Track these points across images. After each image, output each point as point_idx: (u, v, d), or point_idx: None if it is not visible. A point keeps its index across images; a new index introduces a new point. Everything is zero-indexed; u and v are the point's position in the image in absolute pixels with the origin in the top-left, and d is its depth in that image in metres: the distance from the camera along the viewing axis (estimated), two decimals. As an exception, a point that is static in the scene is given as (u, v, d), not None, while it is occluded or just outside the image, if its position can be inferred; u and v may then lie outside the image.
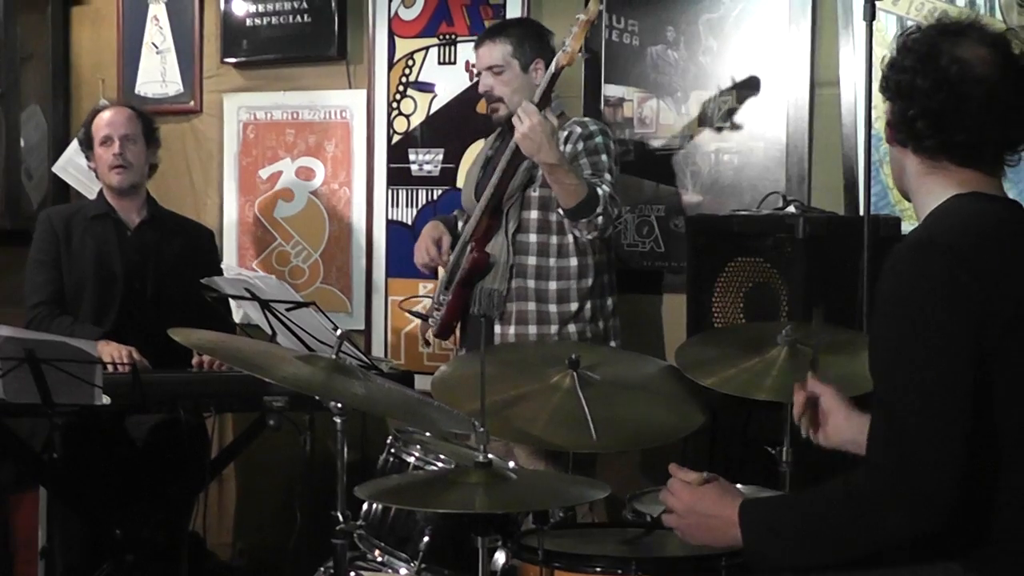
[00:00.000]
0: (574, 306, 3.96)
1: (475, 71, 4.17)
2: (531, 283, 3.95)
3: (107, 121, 4.41)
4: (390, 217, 4.93)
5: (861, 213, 3.73)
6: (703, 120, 4.37)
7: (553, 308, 3.95)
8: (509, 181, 3.89)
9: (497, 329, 3.97)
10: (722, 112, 4.33)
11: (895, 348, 2.15)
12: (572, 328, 3.96)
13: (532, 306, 3.95)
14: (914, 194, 2.35)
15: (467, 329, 4.08)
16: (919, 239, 2.22)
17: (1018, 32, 2.33)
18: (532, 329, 3.94)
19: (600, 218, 3.74)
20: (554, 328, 3.94)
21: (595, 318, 4.00)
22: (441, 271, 4.20)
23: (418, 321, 4.63)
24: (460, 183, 4.52)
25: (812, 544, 2.20)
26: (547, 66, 4.00)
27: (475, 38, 4.23)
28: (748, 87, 4.27)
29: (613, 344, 4.04)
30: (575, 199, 3.71)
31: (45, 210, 4.75)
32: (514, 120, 3.70)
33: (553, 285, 3.95)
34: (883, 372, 2.17)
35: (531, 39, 4.06)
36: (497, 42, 4.03)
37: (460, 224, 4.27)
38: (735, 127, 4.31)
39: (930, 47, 2.25)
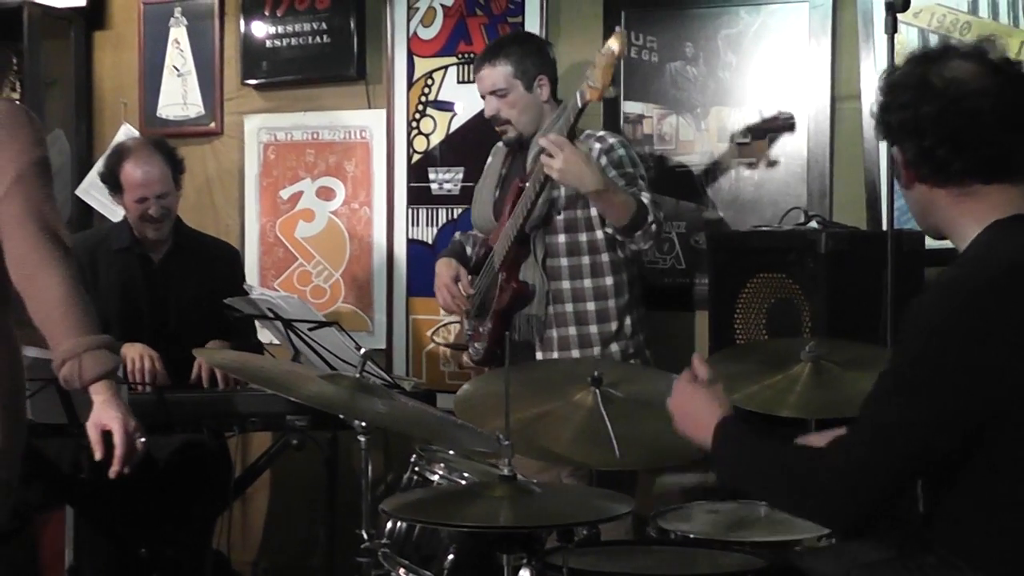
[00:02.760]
0: (614, 325, 3.95)
1: (480, 95, 4.12)
2: (569, 307, 3.93)
3: (141, 180, 4.31)
4: (410, 236, 4.94)
5: (884, 228, 3.72)
6: (723, 136, 4.36)
7: (594, 329, 3.93)
8: (534, 209, 3.85)
9: (539, 355, 3.95)
10: (742, 128, 4.32)
11: (890, 367, 2.21)
12: (615, 348, 3.95)
13: (573, 331, 3.93)
14: (949, 229, 2.33)
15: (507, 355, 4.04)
16: (952, 280, 2.24)
17: (992, 40, 2.33)
18: (575, 354, 3.92)
19: (653, 225, 3.72)
20: (597, 350, 3.93)
21: (635, 333, 4.00)
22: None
23: (433, 335, 4.65)
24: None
25: (757, 483, 2.37)
26: (551, 82, 4.03)
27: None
28: (768, 102, 4.27)
29: (648, 353, 4.05)
30: (627, 215, 3.68)
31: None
32: (544, 157, 3.63)
33: (591, 306, 3.93)
34: (876, 380, 2.23)
35: (531, 56, 4.03)
36: (497, 64, 4.00)
37: (468, 249, 4.26)
38: (755, 142, 4.31)
39: (919, 77, 2.24)
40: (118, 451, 2.72)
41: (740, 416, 2.49)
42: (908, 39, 4.01)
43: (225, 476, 4.51)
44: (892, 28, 3.52)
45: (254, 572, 5.20)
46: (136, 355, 4.00)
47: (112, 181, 4.39)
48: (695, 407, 2.50)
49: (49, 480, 4.18)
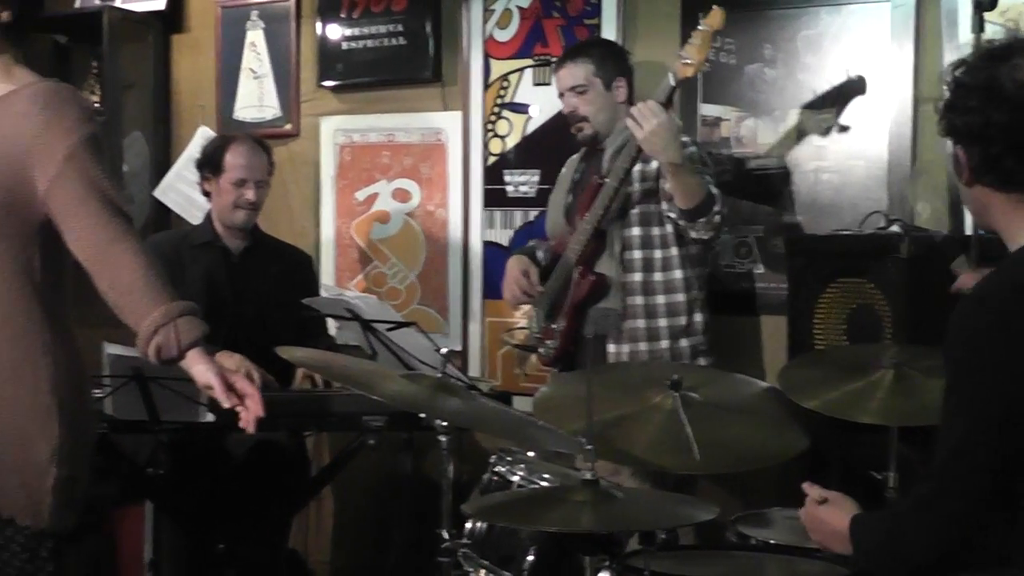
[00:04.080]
0: (684, 319, 3.96)
1: (557, 93, 4.17)
2: (639, 299, 3.95)
3: (246, 164, 4.43)
4: (486, 238, 4.93)
5: (967, 232, 3.67)
6: (802, 138, 4.32)
7: (663, 323, 3.94)
8: (612, 204, 3.87)
9: (611, 348, 3.96)
10: (821, 130, 4.28)
11: (946, 383, 2.23)
12: (684, 343, 3.96)
13: (642, 323, 3.94)
14: (1003, 230, 2.33)
15: (579, 351, 4.03)
16: (986, 285, 2.27)
17: None
18: (643, 346, 3.94)
19: (717, 216, 3.74)
20: (665, 344, 3.94)
21: (706, 330, 4.00)
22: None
23: (504, 336, 4.65)
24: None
25: (891, 553, 2.27)
26: (629, 84, 4.07)
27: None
28: (847, 104, 4.23)
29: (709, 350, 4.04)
30: (696, 199, 3.70)
31: (151, 237, 4.79)
32: (631, 121, 3.65)
33: (662, 299, 3.94)
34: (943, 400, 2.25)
35: (612, 58, 4.09)
36: (579, 62, 4.05)
37: (539, 253, 4.28)
38: (835, 145, 4.27)
39: (988, 79, 2.20)
40: (252, 397, 2.66)
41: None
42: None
43: (301, 475, 4.55)
44: (979, 28, 3.47)
45: (328, 571, 5.22)
46: (234, 366, 4.04)
47: (213, 163, 4.45)
48: (827, 526, 2.46)
49: (127, 475, 4.23)
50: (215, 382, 2.64)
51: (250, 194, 4.41)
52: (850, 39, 4.22)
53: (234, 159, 4.41)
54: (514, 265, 4.21)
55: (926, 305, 3.63)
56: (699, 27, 3.60)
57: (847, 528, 2.37)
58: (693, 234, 3.83)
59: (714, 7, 3.67)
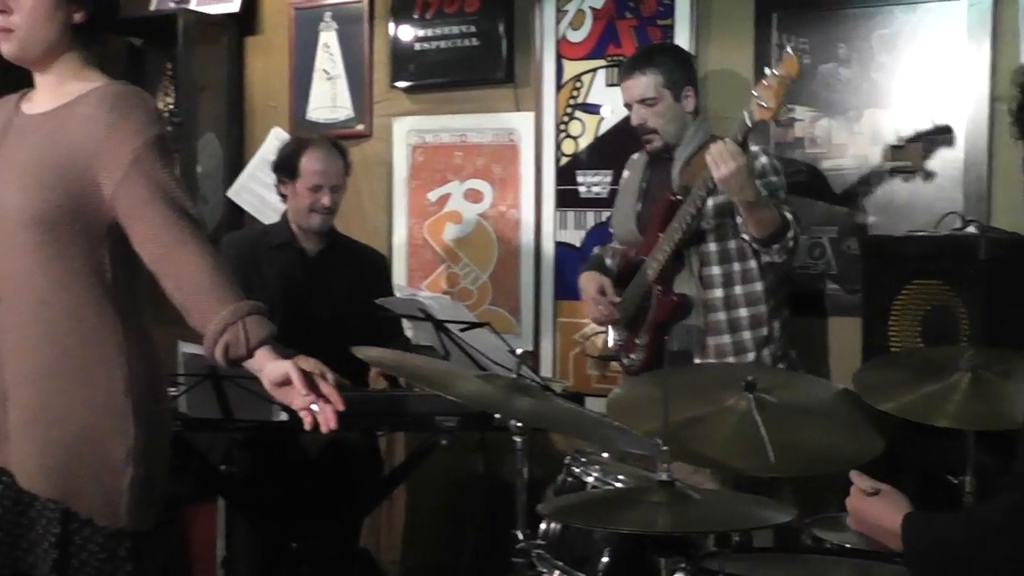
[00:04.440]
0: (766, 330, 3.94)
1: (624, 103, 4.14)
2: (722, 315, 3.94)
3: (322, 170, 4.43)
4: (558, 239, 4.93)
5: (1047, 233, 3.64)
6: (876, 139, 4.29)
7: (748, 335, 3.93)
8: (691, 227, 3.86)
9: (696, 362, 3.95)
10: (896, 130, 4.24)
11: None
12: (766, 352, 3.95)
13: (727, 338, 3.93)
14: None
15: (664, 365, 4.02)
16: None
17: None
18: (731, 361, 3.92)
19: (791, 242, 3.72)
20: (751, 356, 3.92)
21: (781, 336, 3.98)
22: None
23: (584, 345, 4.65)
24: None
25: (966, 559, 2.22)
26: (696, 93, 4.04)
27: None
28: (923, 104, 4.19)
29: (793, 353, 4.03)
30: (769, 229, 3.70)
31: (228, 236, 4.84)
32: (710, 159, 3.63)
33: (744, 312, 3.93)
34: None
35: (679, 67, 4.05)
36: (647, 73, 4.01)
37: (608, 260, 4.27)
38: (910, 146, 4.23)
39: None
40: (330, 394, 2.62)
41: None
42: (1075, 36, 3.91)
43: (374, 475, 4.56)
44: (1058, 25, 3.43)
45: (399, 571, 5.24)
46: (309, 367, 4.05)
47: (289, 168, 4.46)
48: (873, 516, 2.45)
49: (200, 473, 4.27)
50: (293, 373, 2.61)
51: (326, 199, 4.41)
52: (925, 38, 4.18)
53: (309, 164, 4.42)
54: (588, 284, 4.21)
55: (1004, 307, 3.59)
56: (775, 72, 3.57)
57: (898, 525, 2.34)
58: (767, 258, 3.83)
59: (789, 53, 3.62)
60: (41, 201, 2.67)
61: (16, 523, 2.77)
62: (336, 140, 4.63)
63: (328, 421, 2.59)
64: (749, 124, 3.62)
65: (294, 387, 2.61)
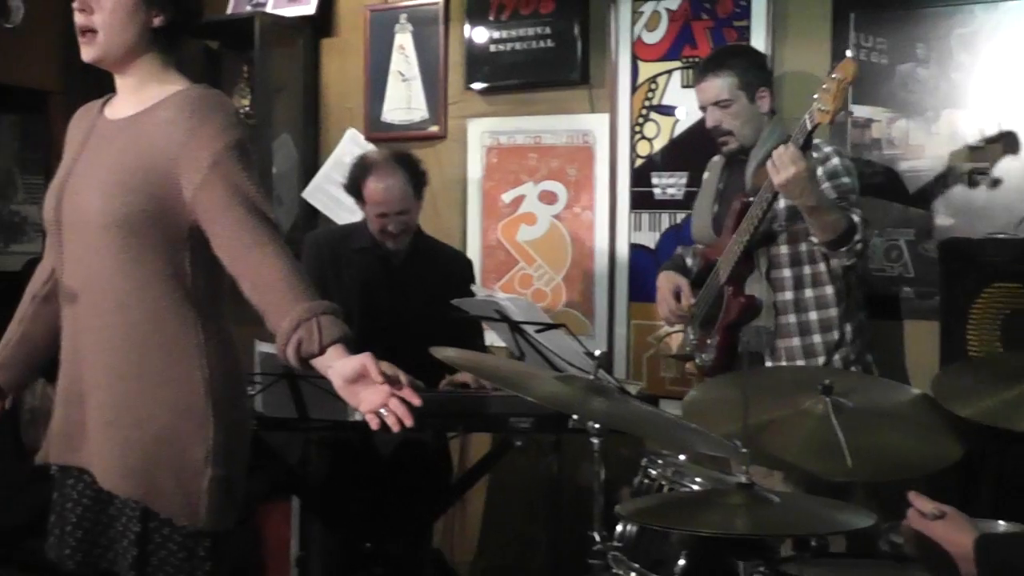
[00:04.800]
0: (836, 333, 3.91)
1: (699, 105, 4.13)
2: (792, 318, 3.92)
3: (382, 198, 4.36)
4: (633, 241, 4.93)
5: None
6: (954, 140, 4.24)
7: (818, 339, 3.90)
8: (761, 225, 3.85)
9: (768, 365, 3.93)
10: (975, 131, 4.20)
11: None
12: (837, 357, 3.92)
13: (797, 341, 3.91)
14: None
15: (735, 365, 4.00)
16: None
17: None
18: (800, 364, 3.90)
19: (859, 244, 3.69)
20: (821, 360, 3.90)
21: (854, 340, 3.95)
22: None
23: (659, 345, 4.64)
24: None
25: None
26: (771, 94, 4.03)
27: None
28: (1003, 103, 4.14)
29: (869, 357, 3.99)
30: (835, 232, 3.67)
31: (311, 235, 4.83)
32: (770, 165, 3.62)
33: (814, 315, 3.90)
34: None
35: (754, 68, 4.04)
36: (721, 75, 4.00)
37: (689, 260, 4.27)
38: (989, 146, 4.18)
39: None
40: (406, 391, 2.58)
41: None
42: None
43: (445, 476, 4.58)
44: None
45: (472, 572, 5.25)
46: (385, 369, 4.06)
47: (355, 193, 4.45)
48: (944, 542, 2.38)
49: (275, 472, 4.31)
50: (369, 363, 2.57)
51: (391, 226, 4.36)
52: (1005, 36, 4.13)
53: (372, 193, 4.37)
54: (664, 284, 4.21)
55: (1086, 311, 3.56)
56: (833, 76, 3.55)
57: (969, 548, 2.29)
58: (835, 261, 3.81)
59: (847, 57, 3.60)
60: (123, 205, 2.70)
61: (96, 521, 2.81)
62: (405, 156, 4.53)
63: (404, 418, 2.55)
64: (808, 127, 3.60)
65: (369, 380, 2.57)
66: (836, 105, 3.53)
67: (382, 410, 2.54)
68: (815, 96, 3.57)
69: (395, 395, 2.54)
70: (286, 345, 2.64)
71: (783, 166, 3.58)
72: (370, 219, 4.41)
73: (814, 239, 3.77)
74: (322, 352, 2.63)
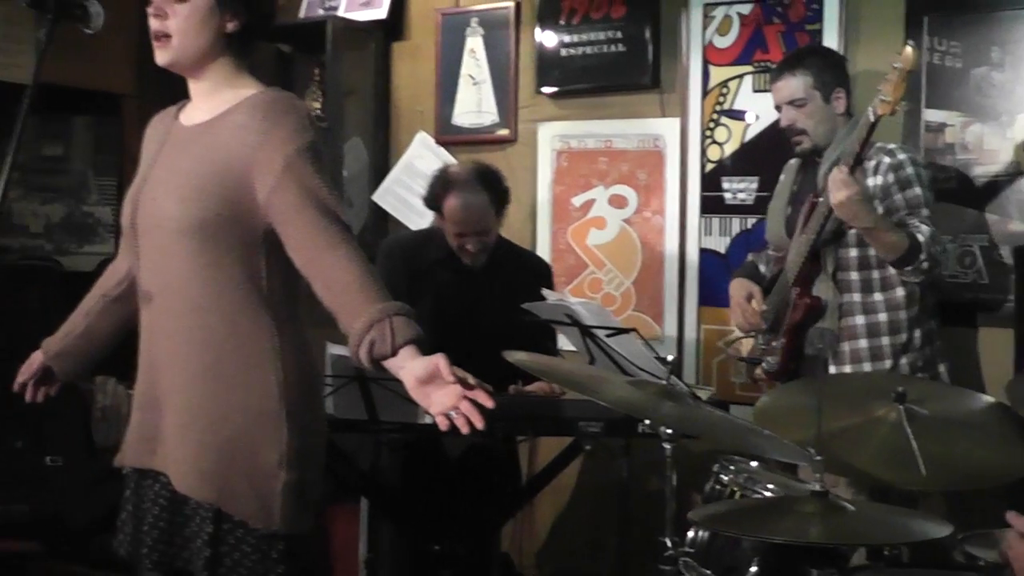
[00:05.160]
0: (904, 336, 3.89)
1: (774, 105, 4.13)
2: (860, 319, 3.90)
3: (462, 217, 4.30)
4: (703, 246, 4.92)
5: None
6: (1031, 144, 4.21)
7: (886, 341, 3.88)
8: (827, 224, 3.84)
9: (832, 369, 3.91)
10: (1052, 139, 4.16)
11: None
12: (904, 360, 3.89)
13: (864, 343, 3.89)
14: None
15: (801, 369, 4.01)
16: None
17: None
18: (867, 367, 3.88)
19: (925, 263, 3.67)
20: (888, 363, 3.88)
21: (923, 345, 3.92)
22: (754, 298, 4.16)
23: (727, 348, 4.62)
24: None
25: None
26: (847, 95, 4.00)
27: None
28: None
29: (942, 367, 3.96)
30: (898, 252, 3.67)
31: (388, 240, 4.81)
32: (829, 187, 3.64)
33: (883, 317, 3.88)
34: None
35: (830, 68, 4.03)
36: (797, 74, 4.00)
37: (762, 267, 4.25)
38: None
39: None
40: (477, 394, 2.56)
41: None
42: None
43: (514, 479, 4.58)
44: None
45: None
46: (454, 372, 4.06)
47: (435, 207, 4.39)
48: None
49: (344, 473, 4.33)
50: (441, 363, 2.56)
51: (470, 245, 4.32)
52: (1083, 41, 4.09)
53: (451, 210, 4.31)
54: (737, 290, 4.20)
55: None
56: (894, 65, 3.54)
57: None
58: (903, 278, 3.80)
59: (907, 46, 3.57)
60: (199, 210, 2.72)
61: (172, 521, 2.83)
62: (490, 173, 4.44)
63: (475, 420, 2.53)
64: (871, 119, 3.59)
65: (440, 380, 2.56)
66: (897, 95, 3.52)
67: (452, 412, 2.53)
68: (878, 88, 3.56)
69: (466, 397, 2.53)
70: (359, 346, 2.64)
71: (835, 189, 3.59)
72: (448, 235, 4.36)
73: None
74: (394, 353, 2.62)
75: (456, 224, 4.31)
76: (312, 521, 2.84)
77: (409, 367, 2.61)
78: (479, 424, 2.52)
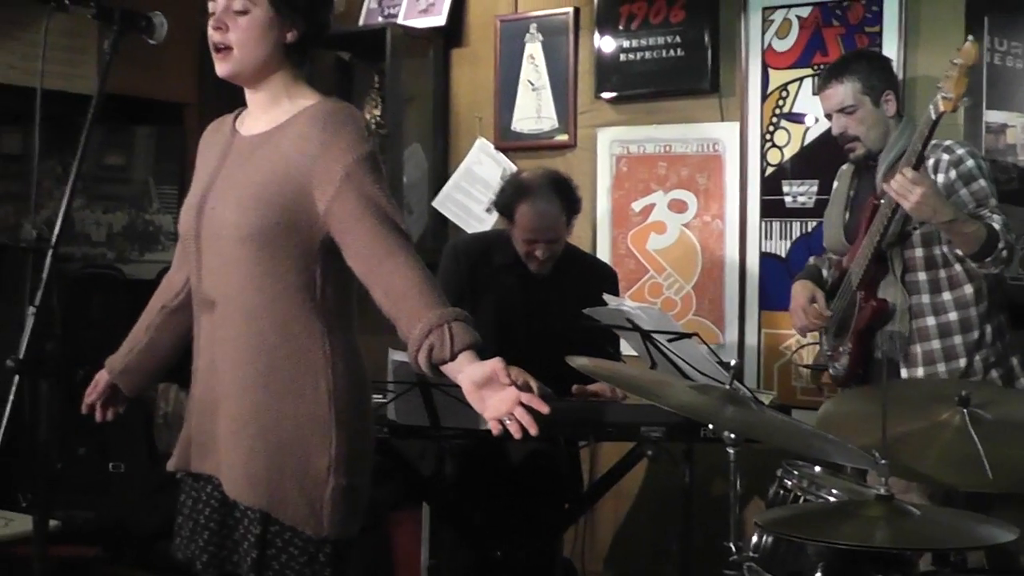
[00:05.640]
0: (976, 333, 3.86)
1: (824, 113, 4.11)
2: (931, 320, 3.87)
3: (534, 225, 4.30)
4: (764, 249, 4.90)
5: None
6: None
7: (958, 339, 3.85)
8: (890, 226, 3.81)
9: (904, 373, 3.89)
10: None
11: None
12: (978, 357, 3.86)
13: (937, 344, 3.86)
14: None
15: (869, 373, 3.98)
16: None
17: None
18: (941, 367, 3.85)
19: (1004, 251, 3.63)
20: (963, 362, 3.84)
21: (995, 340, 3.89)
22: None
23: (791, 355, 4.61)
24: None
25: None
26: (897, 97, 3.97)
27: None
28: None
29: (1014, 360, 3.93)
30: (977, 244, 3.62)
31: (452, 243, 4.79)
32: (896, 196, 3.60)
33: (954, 316, 3.85)
34: None
35: (877, 72, 3.99)
36: (844, 81, 3.97)
37: (824, 271, 4.23)
38: None
39: None
40: (533, 400, 2.53)
41: None
42: None
43: (576, 485, 4.58)
44: None
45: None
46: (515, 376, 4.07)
47: (506, 212, 4.39)
48: None
49: (406, 480, 4.34)
50: (499, 367, 2.56)
51: (539, 252, 4.31)
52: None
53: (524, 218, 4.30)
54: (799, 292, 4.16)
55: None
56: (954, 61, 3.51)
57: None
58: (983, 271, 3.75)
59: (968, 41, 3.55)
60: (259, 219, 2.75)
61: (222, 523, 2.86)
62: (563, 182, 4.44)
63: (529, 426, 2.51)
64: (933, 117, 3.57)
65: (496, 383, 2.56)
66: (959, 91, 3.50)
67: (505, 418, 2.53)
68: (939, 85, 3.54)
69: (521, 402, 2.52)
70: (417, 351, 2.65)
71: (909, 191, 3.55)
72: (517, 242, 4.36)
73: (958, 252, 3.72)
74: (453, 358, 2.63)
75: (528, 231, 4.31)
76: (360, 525, 2.85)
77: (467, 371, 2.61)
78: (533, 431, 2.50)
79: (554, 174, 4.48)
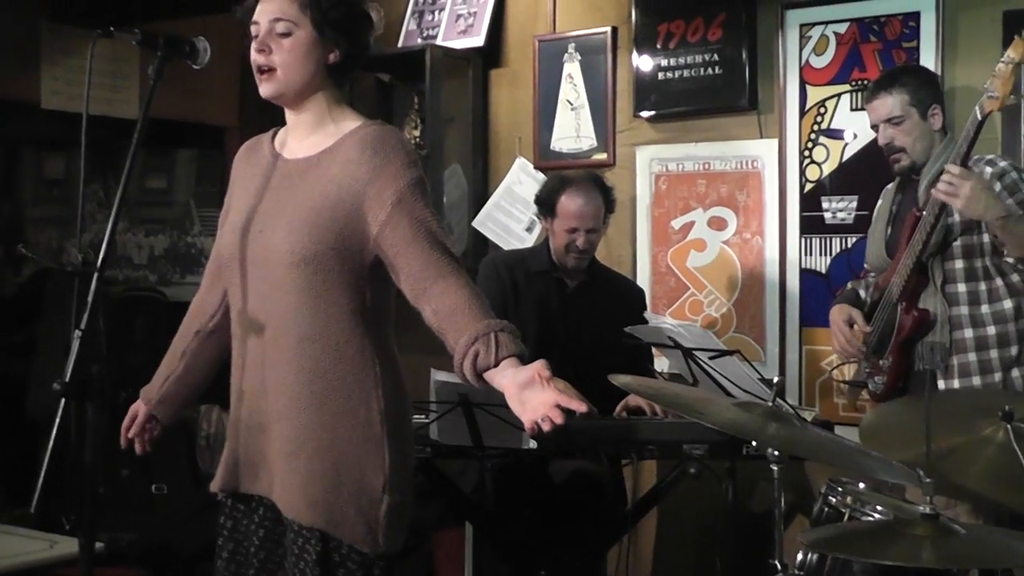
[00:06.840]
0: (1015, 349, 3.85)
1: (871, 124, 4.11)
2: (968, 332, 3.86)
3: (577, 212, 4.49)
4: (804, 266, 4.89)
5: None
6: None
7: (994, 354, 3.83)
8: (930, 238, 3.81)
9: (941, 384, 3.88)
10: None
11: None
12: (1016, 373, 3.84)
13: (973, 356, 3.85)
14: None
15: (909, 387, 3.97)
16: None
17: None
18: (976, 380, 3.84)
19: None
20: (998, 376, 3.83)
21: None
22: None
23: (831, 371, 4.59)
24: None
25: None
26: (943, 112, 3.96)
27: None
28: None
29: None
30: None
31: (488, 258, 4.90)
32: (942, 193, 3.60)
33: (992, 330, 3.84)
34: None
35: (925, 85, 4.00)
36: (893, 92, 3.97)
37: (862, 292, 4.22)
38: None
39: None
40: (574, 399, 2.53)
41: None
42: None
43: (619, 503, 4.58)
44: None
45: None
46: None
47: (548, 206, 4.56)
48: None
49: (449, 499, 4.35)
50: (542, 369, 2.55)
51: (580, 240, 4.47)
52: None
53: (567, 205, 4.49)
54: (837, 316, 4.15)
55: None
56: (1002, 60, 3.50)
57: None
58: None
59: (1016, 37, 3.55)
60: (311, 242, 2.78)
61: (278, 543, 2.88)
62: (600, 179, 4.66)
63: (555, 417, 2.49)
64: (979, 117, 3.57)
65: (537, 384, 2.55)
66: (1006, 90, 3.51)
67: (540, 419, 2.53)
68: (986, 85, 3.53)
69: (558, 405, 2.51)
70: (463, 358, 2.67)
71: (958, 188, 3.54)
72: (557, 233, 4.52)
73: (1009, 259, 3.71)
74: (497, 364, 2.64)
75: (570, 218, 4.47)
76: (405, 539, 2.87)
77: (510, 374, 2.62)
78: (558, 419, 2.49)
79: (593, 172, 4.76)
